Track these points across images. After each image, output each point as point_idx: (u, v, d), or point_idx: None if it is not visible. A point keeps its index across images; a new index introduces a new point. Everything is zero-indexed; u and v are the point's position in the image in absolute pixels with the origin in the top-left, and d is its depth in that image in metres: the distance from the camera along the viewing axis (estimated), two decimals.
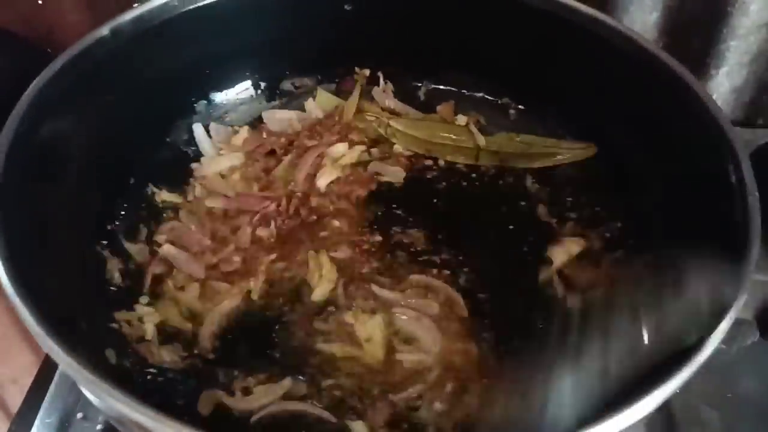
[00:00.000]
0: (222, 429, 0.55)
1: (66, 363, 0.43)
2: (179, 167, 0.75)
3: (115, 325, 0.62)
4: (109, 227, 0.68)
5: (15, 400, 0.68)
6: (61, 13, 0.91)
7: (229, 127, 0.78)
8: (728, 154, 0.56)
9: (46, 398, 0.67)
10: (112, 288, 0.65)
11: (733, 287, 0.47)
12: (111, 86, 0.67)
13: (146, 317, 0.63)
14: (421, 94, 0.83)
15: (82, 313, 0.57)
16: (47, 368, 0.70)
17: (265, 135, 0.78)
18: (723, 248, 0.51)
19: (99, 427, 0.65)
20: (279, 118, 0.80)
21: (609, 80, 0.69)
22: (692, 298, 0.49)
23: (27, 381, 0.71)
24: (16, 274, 0.47)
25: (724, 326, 0.46)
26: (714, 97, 0.91)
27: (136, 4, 0.69)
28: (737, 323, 0.66)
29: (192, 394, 0.58)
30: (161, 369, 0.60)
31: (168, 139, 0.76)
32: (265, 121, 0.80)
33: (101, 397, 0.42)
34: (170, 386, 0.58)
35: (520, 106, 0.81)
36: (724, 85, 0.91)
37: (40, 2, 0.90)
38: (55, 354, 0.44)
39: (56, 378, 0.69)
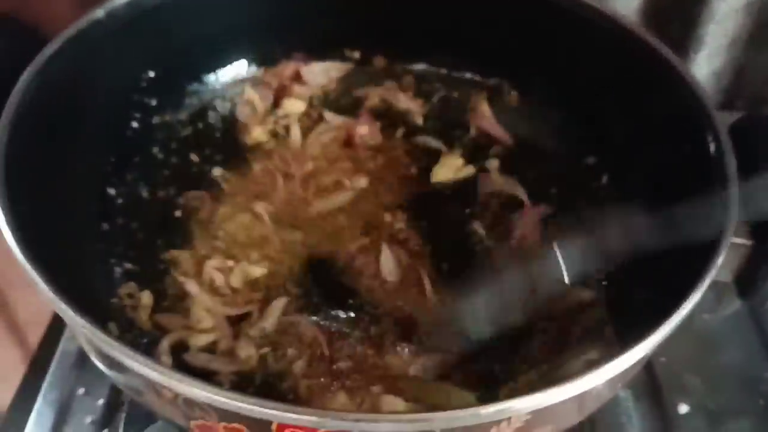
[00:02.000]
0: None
1: (81, 325, 0.44)
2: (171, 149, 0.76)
3: (116, 300, 0.63)
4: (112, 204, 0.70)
5: (4, 396, 0.69)
6: (49, 5, 0.92)
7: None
8: (708, 125, 0.58)
9: (47, 376, 0.69)
10: (116, 266, 0.66)
11: (712, 249, 0.49)
12: (106, 68, 0.68)
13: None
14: (410, 75, 0.84)
15: (86, 288, 0.59)
16: (43, 354, 0.72)
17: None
18: (703, 215, 0.54)
19: (101, 401, 0.67)
20: (317, 70, 0.83)
21: (594, 59, 0.71)
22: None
23: (15, 378, 0.71)
24: (29, 248, 0.48)
25: (704, 285, 0.48)
26: None
27: None
28: (718, 286, 0.69)
29: None
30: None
31: (161, 120, 0.77)
32: (304, 78, 0.82)
33: (115, 358, 0.43)
34: None
35: (508, 86, 0.82)
36: (703, 68, 0.94)
37: None
38: (74, 322, 0.45)
39: (57, 356, 0.70)
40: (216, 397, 0.41)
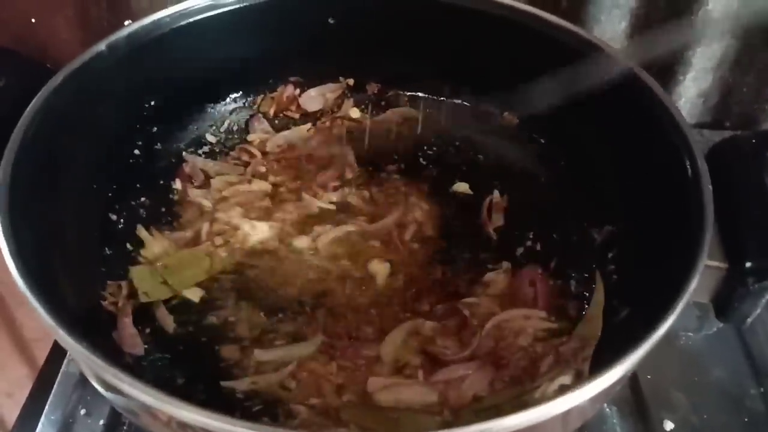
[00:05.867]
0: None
1: (79, 353, 0.47)
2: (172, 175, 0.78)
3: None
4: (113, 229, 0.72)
5: (11, 413, 0.71)
6: (54, 32, 0.95)
7: None
8: (685, 150, 0.61)
9: (50, 396, 0.70)
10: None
11: (688, 272, 0.51)
12: (109, 99, 0.71)
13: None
14: (404, 100, 0.87)
15: (88, 310, 0.62)
16: (48, 372, 0.74)
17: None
18: (680, 237, 0.56)
19: (101, 422, 0.68)
20: (313, 95, 0.86)
21: (578, 85, 0.73)
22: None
23: (22, 395, 0.73)
24: (31, 273, 0.50)
25: (680, 306, 0.49)
26: (682, 101, 0.96)
27: (127, 22, 0.73)
28: (698, 306, 0.71)
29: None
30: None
31: (162, 148, 0.79)
32: (301, 104, 0.85)
33: (112, 383, 0.46)
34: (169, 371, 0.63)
35: (495, 110, 0.85)
36: (691, 89, 0.96)
37: (33, 21, 0.94)
38: (71, 347, 0.47)
39: (59, 377, 0.72)
40: (206, 420, 0.43)
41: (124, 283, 0.67)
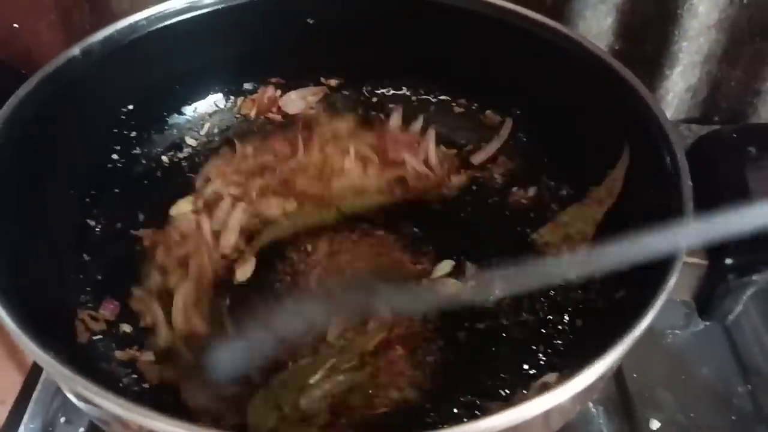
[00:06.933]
0: None
1: (45, 362, 0.46)
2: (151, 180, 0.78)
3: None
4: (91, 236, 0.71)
5: (2, 420, 0.71)
6: (38, 35, 0.94)
7: None
8: (666, 147, 0.60)
9: (29, 405, 0.70)
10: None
11: (666, 268, 0.51)
12: (84, 104, 0.70)
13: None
14: (382, 99, 0.86)
15: (65, 319, 0.61)
16: (30, 381, 0.74)
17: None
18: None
19: (81, 430, 0.68)
20: (294, 98, 0.84)
21: (556, 80, 0.73)
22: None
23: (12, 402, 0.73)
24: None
25: (658, 304, 0.49)
26: (670, 96, 0.95)
27: None
28: (684, 304, 0.71)
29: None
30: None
31: (141, 152, 0.78)
32: (282, 106, 0.84)
33: (84, 396, 0.45)
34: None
35: (476, 106, 0.84)
36: (678, 84, 0.95)
37: (16, 26, 0.93)
38: (37, 356, 0.46)
39: (39, 386, 0.72)
40: (177, 430, 0.42)
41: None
